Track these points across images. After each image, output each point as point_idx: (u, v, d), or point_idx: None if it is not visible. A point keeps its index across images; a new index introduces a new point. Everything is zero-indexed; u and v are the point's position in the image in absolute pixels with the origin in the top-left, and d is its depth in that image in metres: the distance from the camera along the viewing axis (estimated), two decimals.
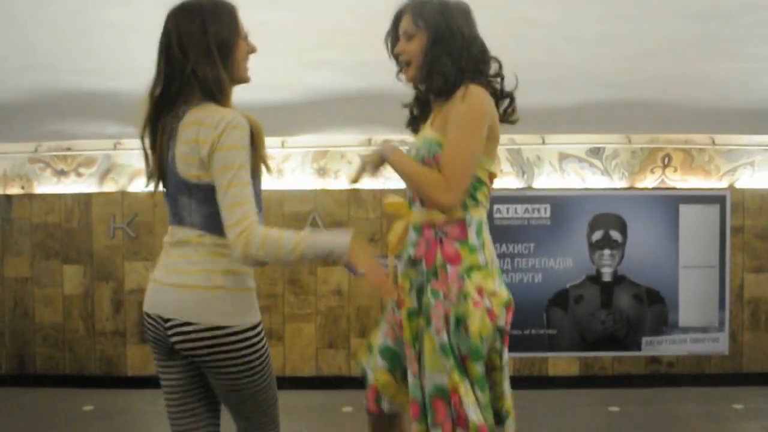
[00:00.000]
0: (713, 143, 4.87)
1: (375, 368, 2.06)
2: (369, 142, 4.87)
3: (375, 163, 1.98)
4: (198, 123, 1.69)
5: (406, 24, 1.95)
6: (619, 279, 4.74)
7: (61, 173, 4.96)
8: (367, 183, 4.83)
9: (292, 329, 4.78)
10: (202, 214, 1.74)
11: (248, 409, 1.87)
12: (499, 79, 2.00)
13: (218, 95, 1.74)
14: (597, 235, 4.73)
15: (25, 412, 4.24)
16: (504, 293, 1.93)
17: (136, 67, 3.66)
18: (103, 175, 4.94)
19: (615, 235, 4.73)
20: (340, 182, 4.86)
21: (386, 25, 3.28)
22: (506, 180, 4.82)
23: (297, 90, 3.98)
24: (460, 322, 1.84)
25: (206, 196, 1.72)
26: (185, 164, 1.72)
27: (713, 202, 4.76)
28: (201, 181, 1.71)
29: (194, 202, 1.75)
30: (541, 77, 3.81)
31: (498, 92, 1.98)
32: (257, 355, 1.78)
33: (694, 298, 4.76)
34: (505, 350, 1.94)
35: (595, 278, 4.72)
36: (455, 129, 1.83)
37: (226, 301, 1.73)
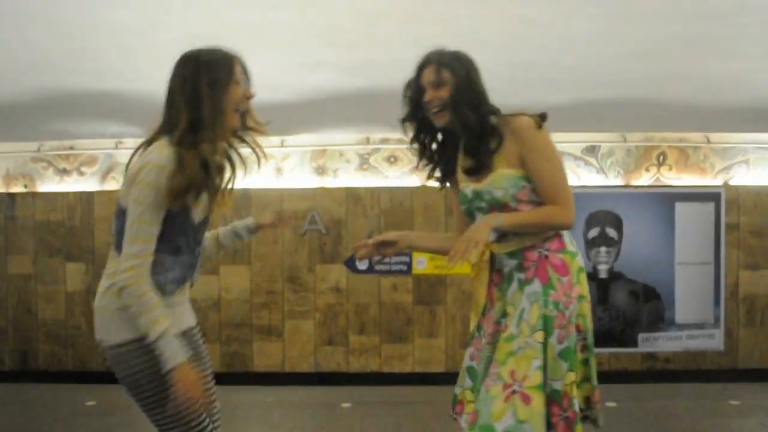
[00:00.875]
0: (708, 141, 4.88)
1: (463, 385, 2.18)
2: (367, 141, 4.89)
3: (485, 239, 2.02)
4: (143, 156, 1.80)
5: (430, 74, 2.07)
6: (615, 276, 4.76)
7: (64, 172, 4.98)
8: (367, 182, 4.87)
9: (292, 326, 4.80)
10: (118, 231, 1.85)
11: (155, 423, 1.89)
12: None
13: (173, 134, 1.79)
14: (593, 232, 4.75)
15: (29, 408, 4.26)
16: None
17: (138, 68, 3.69)
18: (105, 174, 4.96)
19: (611, 232, 4.75)
20: (339, 180, 4.88)
21: (385, 25, 3.30)
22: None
23: (296, 89, 4.00)
24: (585, 319, 2.07)
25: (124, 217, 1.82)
26: (126, 190, 1.81)
27: (708, 200, 4.78)
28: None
29: (119, 222, 1.85)
30: (536, 76, 3.83)
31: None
32: (125, 371, 1.82)
33: (689, 294, 4.78)
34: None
35: (591, 275, 4.74)
36: (545, 159, 2.02)
37: (98, 318, 1.88)
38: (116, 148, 4.92)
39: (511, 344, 2.01)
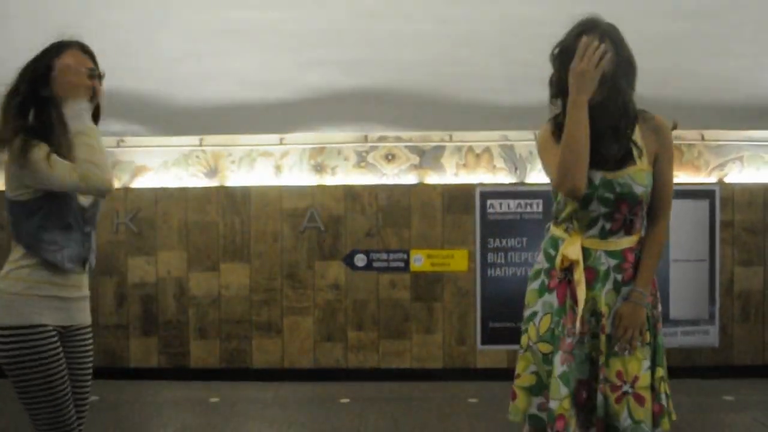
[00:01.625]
0: (702, 139, 4.90)
1: (560, 397, 1.96)
2: (365, 139, 4.90)
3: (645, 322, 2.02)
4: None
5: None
6: None
7: None
8: (365, 179, 4.89)
9: (291, 323, 4.82)
10: (10, 223, 1.98)
11: (28, 413, 1.98)
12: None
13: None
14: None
15: None
16: None
17: (139, 67, 3.70)
18: None
19: None
20: (337, 178, 4.89)
21: (383, 24, 3.32)
22: (499, 176, 4.86)
23: (294, 88, 4.01)
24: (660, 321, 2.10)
25: (10, 208, 1.96)
26: (6, 183, 1.96)
27: (703, 197, 4.79)
28: (15, 198, 1.94)
29: (9, 216, 1.98)
30: (533, 75, 3.83)
31: None
32: (9, 355, 1.89)
33: (684, 291, 4.80)
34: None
35: None
36: (671, 167, 2.00)
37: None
38: (118, 146, 4.93)
39: (613, 345, 1.98)
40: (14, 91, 1.94)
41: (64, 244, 1.94)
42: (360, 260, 4.78)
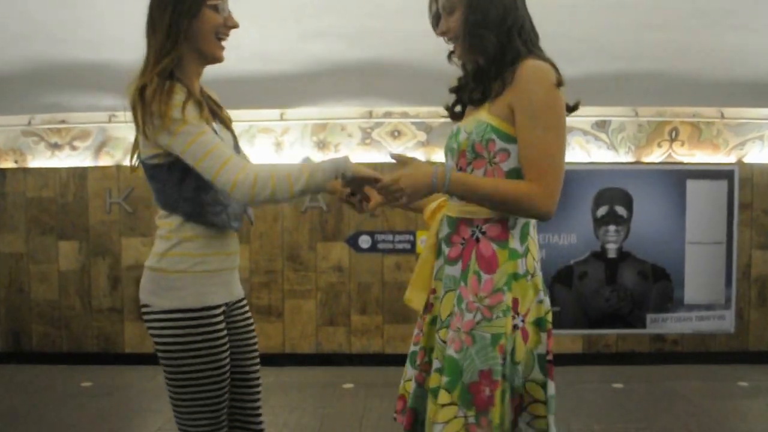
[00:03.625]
0: (722, 117, 4.87)
1: (404, 377, 1.89)
2: (370, 114, 4.87)
3: (418, 196, 1.71)
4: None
5: None
6: (624, 255, 4.78)
7: (56, 147, 4.98)
8: (369, 157, 4.87)
9: (292, 306, 4.83)
10: (155, 190, 1.80)
11: (173, 403, 1.85)
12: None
13: (148, 70, 1.74)
14: (602, 210, 4.76)
15: (23, 389, 4.30)
16: (541, 311, 1.71)
17: (133, 39, 3.67)
18: (99, 149, 4.96)
19: (620, 210, 4.76)
20: (341, 155, 4.87)
21: None
22: None
23: (295, 60, 3.98)
24: (496, 339, 1.64)
25: (154, 174, 1.78)
26: (141, 145, 1.80)
27: (721, 177, 4.78)
28: (158, 162, 1.76)
29: (152, 184, 1.81)
30: (545, 48, 3.81)
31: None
32: (163, 341, 1.76)
33: (700, 275, 4.80)
34: (551, 384, 1.71)
35: (599, 254, 4.76)
36: (545, 124, 1.61)
37: (152, 281, 1.77)
38: (110, 121, 4.91)
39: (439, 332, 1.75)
40: (165, 29, 1.73)
41: (226, 202, 1.77)
42: (364, 242, 4.78)
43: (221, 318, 1.79)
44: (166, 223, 1.76)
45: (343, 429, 3.60)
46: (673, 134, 4.88)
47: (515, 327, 1.66)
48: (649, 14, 3.42)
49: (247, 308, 1.97)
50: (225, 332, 1.80)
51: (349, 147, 4.87)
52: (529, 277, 1.69)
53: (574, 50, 3.80)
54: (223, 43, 1.79)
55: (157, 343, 1.77)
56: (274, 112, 4.81)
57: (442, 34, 1.78)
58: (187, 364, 1.75)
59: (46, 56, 3.83)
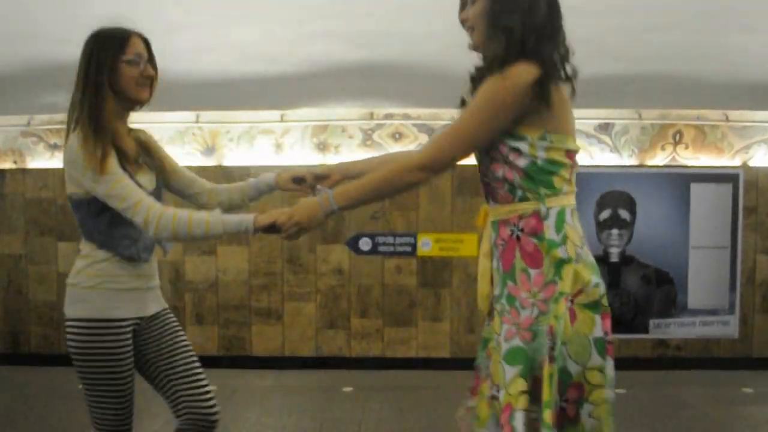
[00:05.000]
0: (727, 119, 4.86)
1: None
2: (371, 116, 4.88)
3: (313, 225, 1.90)
4: (63, 153, 2.00)
5: None
6: (627, 259, 4.77)
7: (55, 147, 4.99)
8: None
9: (291, 308, 4.83)
10: (78, 221, 2.03)
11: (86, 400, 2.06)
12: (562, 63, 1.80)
13: (77, 121, 1.96)
14: (605, 214, 4.76)
15: (21, 391, 4.31)
16: (595, 294, 1.72)
17: None
18: None
19: (623, 214, 4.76)
20: (341, 157, 4.88)
21: None
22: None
23: (296, 61, 3.99)
24: (559, 320, 1.68)
25: (77, 207, 2.01)
26: (67, 184, 2.01)
27: (725, 181, 4.77)
28: (80, 198, 1.99)
29: (75, 215, 2.03)
30: None
31: (560, 76, 1.78)
32: (72, 346, 1.98)
33: (704, 279, 4.79)
34: (609, 363, 1.72)
35: (602, 258, 4.76)
36: (471, 107, 1.73)
37: (68, 294, 2.02)
38: None
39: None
40: (87, 84, 1.96)
41: (137, 237, 2.01)
42: (365, 244, 4.78)
43: (125, 330, 2.00)
44: (86, 245, 2.02)
45: None
46: (677, 137, 4.87)
47: (565, 309, 1.68)
48: (654, 16, 3.42)
49: (170, 316, 2.19)
50: (128, 343, 2.01)
51: (349, 148, 4.87)
52: (573, 261, 1.70)
53: (577, 52, 3.78)
54: (145, 87, 2.02)
55: (68, 348, 1.99)
56: (275, 114, 4.81)
57: (462, 21, 1.84)
58: (89, 368, 1.97)
59: (45, 57, 3.84)
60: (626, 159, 4.88)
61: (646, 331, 4.79)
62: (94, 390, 1.99)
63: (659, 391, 4.29)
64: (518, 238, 1.74)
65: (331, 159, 4.88)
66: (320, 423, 3.72)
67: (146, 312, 2.10)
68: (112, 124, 1.98)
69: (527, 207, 1.73)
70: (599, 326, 1.71)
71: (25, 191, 4.91)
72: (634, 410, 3.92)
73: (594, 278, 1.72)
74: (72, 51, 3.77)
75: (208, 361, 4.75)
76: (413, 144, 4.88)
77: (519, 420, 1.65)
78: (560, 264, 1.69)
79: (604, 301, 1.74)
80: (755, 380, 4.49)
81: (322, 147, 4.90)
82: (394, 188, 1.81)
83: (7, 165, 5.00)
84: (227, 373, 4.60)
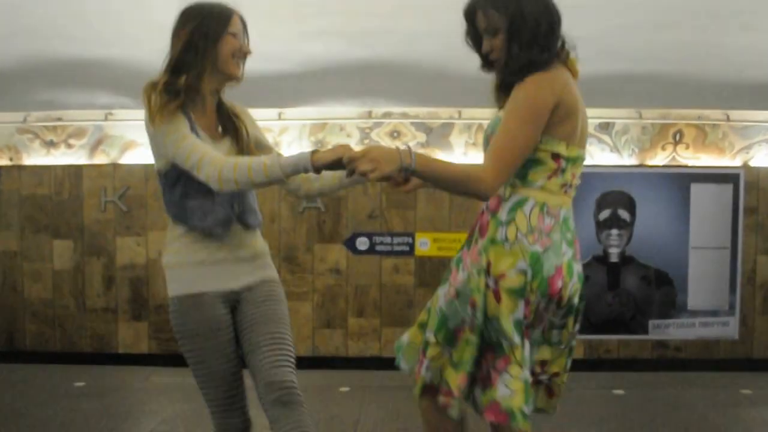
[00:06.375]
0: (727, 119, 4.88)
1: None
2: (369, 115, 4.89)
3: (387, 171, 1.83)
4: None
5: (481, 21, 1.94)
6: (626, 260, 4.79)
7: (51, 144, 5.01)
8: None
9: (289, 308, 4.83)
10: (161, 193, 2.09)
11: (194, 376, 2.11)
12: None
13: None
14: (605, 214, 4.77)
15: (16, 389, 4.33)
16: (516, 280, 1.87)
17: (128, 35, 3.69)
18: (94, 147, 4.98)
19: (623, 214, 4.77)
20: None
21: None
22: None
23: (294, 60, 4.00)
24: (471, 293, 1.91)
25: (159, 178, 2.07)
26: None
27: (726, 181, 4.79)
28: (160, 169, 2.04)
29: (159, 186, 2.10)
30: None
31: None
32: (172, 325, 2.07)
33: (704, 280, 4.81)
34: (526, 346, 1.90)
35: (601, 259, 4.77)
36: (509, 114, 1.85)
37: (166, 274, 2.09)
38: (106, 119, 4.93)
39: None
40: (187, 47, 1.97)
41: (208, 210, 2.00)
42: (362, 243, 4.80)
43: (211, 304, 2.02)
44: (168, 224, 2.08)
45: None
46: (678, 137, 4.89)
47: (487, 286, 1.88)
48: (655, 15, 3.42)
49: (268, 288, 2.14)
50: (218, 317, 2.02)
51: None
52: (507, 244, 1.89)
53: (578, 50, 3.80)
54: (239, 64, 2.05)
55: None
56: (273, 112, 4.82)
57: (487, 53, 1.96)
58: (186, 345, 2.03)
59: (42, 53, 3.85)
60: (626, 159, 4.90)
61: (645, 332, 4.81)
62: (196, 367, 2.03)
63: (657, 392, 4.31)
64: (482, 213, 1.99)
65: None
66: (316, 423, 3.74)
67: (237, 284, 2.07)
68: (205, 93, 2.02)
69: (500, 190, 1.92)
70: (521, 310, 1.87)
71: (21, 188, 4.92)
72: (633, 411, 3.94)
73: (521, 264, 1.87)
74: (66, 48, 3.80)
75: None
76: (411, 142, 4.90)
77: (424, 368, 2.02)
78: (492, 241, 1.90)
79: (532, 289, 1.88)
80: (754, 382, 4.51)
81: (320, 145, 4.91)
82: (460, 187, 1.88)
83: (3, 162, 5.01)
84: None
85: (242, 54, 2.04)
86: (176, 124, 1.92)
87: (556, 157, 1.89)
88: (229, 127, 2.11)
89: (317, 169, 1.87)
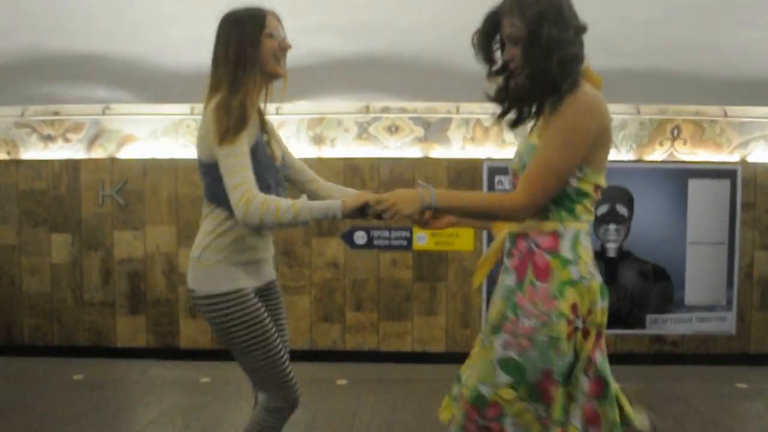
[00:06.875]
0: (725, 115, 4.91)
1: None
2: (367, 109, 4.91)
3: (408, 213, 1.94)
4: (202, 118, 2.10)
5: (507, 27, 1.91)
6: (624, 255, 4.82)
7: (49, 138, 5.03)
8: (366, 152, 4.91)
9: (286, 302, 4.76)
10: (206, 185, 2.13)
11: (243, 367, 2.22)
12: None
13: (219, 91, 2.07)
14: (602, 209, 4.80)
15: (15, 382, 4.37)
16: (599, 315, 1.89)
17: (126, 30, 3.71)
18: (92, 141, 5.00)
19: (621, 209, 4.80)
20: (337, 150, 4.92)
21: None
22: (508, 150, 4.88)
23: (292, 54, 4.00)
24: (554, 343, 1.83)
25: (207, 171, 2.10)
26: (200, 148, 2.10)
27: (724, 177, 4.82)
28: (207, 160, 2.08)
29: (204, 179, 2.13)
30: None
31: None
32: (222, 320, 2.11)
33: (701, 275, 4.84)
34: (586, 380, 1.89)
35: (599, 254, 4.80)
36: (549, 142, 1.82)
37: (193, 270, 2.16)
38: (103, 114, 4.95)
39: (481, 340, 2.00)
40: (231, 59, 2.07)
41: None
42: (360, 237, 4.83)
43: (252, 297, 2.14)
44: (212, 217, 2.13)
45: (336, 425, 3.66)
46: (676, 132, 4.92)
47: (576, 329, 1.84)
48: (653, 11, 3.45)
49: (276, 289, 2.35)
50: (260, 306, 2.14)
51: (345, 142, 4.91)
52: (585, 282, 1.85)
53: None
54: (281, 62, 2.14)
55: (211, 322, 2.14)
56: (270, 106, 4.82)
57: (506, 63, 1.93)
58: (237, 337, 2.11)
59: (39, 47, 3.87)
60: (624, 154, 4.92)
61: (642, 326, 4.84)
62: (257, 351, 2.12)
63: (654, 385, 4.34)
64: (533, 252, 1.88)
65: (326, 152, 4.92)
66: (314, 415, 3.78)
67: (262, 281, 2.24)
68: (254, 95, 2.11)
69: (547, 226, 1.88)
70: (603, 342, 1.92)
71: (19, 182, 4.95)
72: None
73: (601, 302, 1.88)
74: (64, 42, 3.82)
75: (202, 354, 4.83)
76: (409, 137, 4.92)
77: (510, 425, 1.86)
78: (571, 283, 1.84)
79: (604, 320, 1.91)
80: (750, 376, 4.56)
81: (318, 140, 4.94)
82: (491, 215, 1.92)
83: (1, 156, 5.04)
84: (221, 365, 4.64)
85: (282, 51, 2.13)
86: (239, 146, 1.99)
87: (597, 188, 1.90)
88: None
89: (345, 217, 2.01)
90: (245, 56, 2.05)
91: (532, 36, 1.83)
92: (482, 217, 1.99)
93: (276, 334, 2.17)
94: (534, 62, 1.84)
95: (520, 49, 1.87)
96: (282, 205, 1.96)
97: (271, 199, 1.97)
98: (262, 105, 2.23)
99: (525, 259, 1.90)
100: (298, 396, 2.26)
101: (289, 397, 2.23)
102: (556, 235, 1.87)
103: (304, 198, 2.04)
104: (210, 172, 2.08)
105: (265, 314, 2.15)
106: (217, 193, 2.07)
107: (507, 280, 1.93)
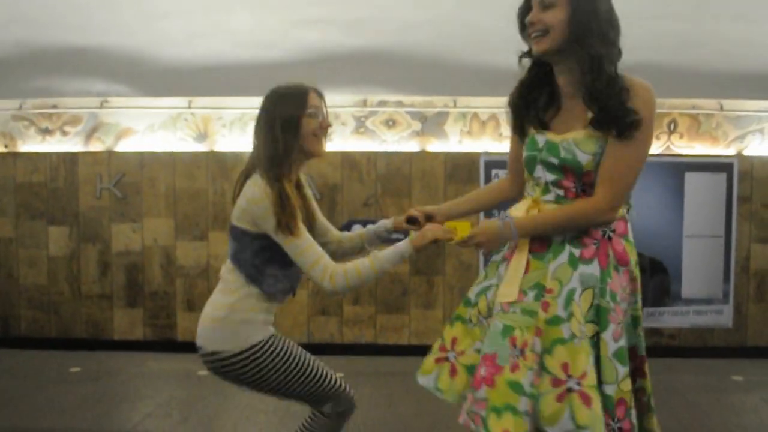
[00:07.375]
0: (721, 109, 4.94)
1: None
2: (364, 103, 4.94)
3: (488, 248, 2.05)
4: (244, 190, 2.16)
5: None
6: None
7: (46, 131, 5.05)
8: (363, 146, 4.94)
9: None
10: (234, 248, 2.20)
11: (296, 400, 2.31)
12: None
13: (259, 168, 2.14)
14: None
15: (11, 374, 4.40)
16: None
17: (124, 23, 3.74)
18: (89, 134, 5.03)
19: None
20: (334, 144, 4.94)
21: None
22: (505, 144, 4.89)
23: (289, 48, 4.04)
24: (638, 324, 1.96)
25: (239, 237, 2.17)
26: (237, 215, 2.17)
27: (720, 170, 4.84)
28: (247, 231, 2.15)
29: (233, 242, 2.21)
30: None
31: None
32: (259, 369, 2.17)
33: (698, 269, 4.87)
34: None
35: None
36: (623, 140, 1.82)
37: (216, 331, 2.18)
38: (101, 107, 4.98)
39: (559, 329, 1.81)
40: (273, 138, 2.12)
41: (280, 279, 2.19)
42: (357, 230, 4.85)
43: (270, 341, 2.21)
44: (234, 278, 2.19)
45: None
46: (672, 126, 4.94)
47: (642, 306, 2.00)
48: (648, 4, 3.47)
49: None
50: (279, 334, 2.25)
51: (343, 135, 4.94)
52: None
53: None
54: (320, 139, 2.20)
55: (243, 380, 2.21)
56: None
57: (530, 24, 1.86)
58: (279, 379, 2.18)
59: (37, 41, 3.89)
60: None
61: None
62: (303, 377, 2.20)
63: (652, 378, 4.37)
64: (610, 238, 1.92)
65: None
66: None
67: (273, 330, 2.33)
68: (295, 172, 2.21)
69: (619, 212, 1.94)
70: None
71: (16, 175, 4.98)
72: None
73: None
74: (61, 35, 3.84)
75: None
76: (407, 131, 4.95)
77: (633, 417, 1.86)
78: (637, 264, 1.96)
79: None
80: (747, 369, 4.59)
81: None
82: (577, 226, 1.89)
83: None
84: None
85: (323, 130, 2.19)
86: (301, 230, 2.08)
87: None
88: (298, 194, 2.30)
89: (416, 253, 2.13)
90: (286, 137, 2.11)
91: (586, 7, 1.81)
92: (568, 230, 1.89)
93: (305, 352, 2.25)
94: (591, 35, 1.80)
95: (561, 14, 1.80)
96: (360, 266, 2.08)
97: (350, 265, 2.08)
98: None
99: (603, 247, 1.90)
100: (353, 395, 2.36)
101: (347, 399, 2.33)
102: (625, 221, 1.97)
103: (374, 252, 2.13)
104: (241, 238, 2.16)
105: (289, 340, 2.24)
106: (244, 261, 2.15)
107: (586, 268, 1.86)
